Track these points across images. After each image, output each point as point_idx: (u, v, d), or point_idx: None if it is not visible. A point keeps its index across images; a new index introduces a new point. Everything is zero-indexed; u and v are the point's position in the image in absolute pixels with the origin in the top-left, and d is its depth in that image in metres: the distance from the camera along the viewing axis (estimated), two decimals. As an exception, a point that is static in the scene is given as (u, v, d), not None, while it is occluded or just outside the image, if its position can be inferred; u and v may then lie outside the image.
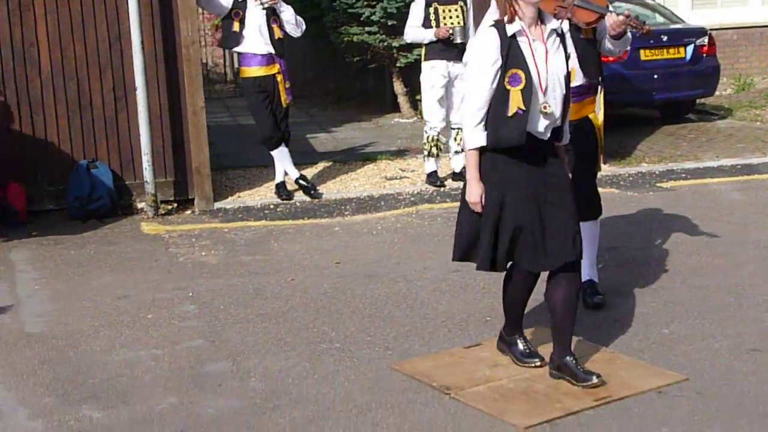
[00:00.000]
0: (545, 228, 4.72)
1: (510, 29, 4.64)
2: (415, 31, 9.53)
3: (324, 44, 15.40)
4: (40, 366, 5.33)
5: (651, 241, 7.40)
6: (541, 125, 4.69)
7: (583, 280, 6.00)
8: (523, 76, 4.61)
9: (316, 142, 12.54)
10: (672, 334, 5.47)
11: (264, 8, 9.01)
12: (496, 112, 4.64)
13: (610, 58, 12.11)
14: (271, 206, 9.16)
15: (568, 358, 4.83)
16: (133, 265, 7.27)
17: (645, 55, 12.50)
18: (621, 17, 5.54)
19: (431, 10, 9.47)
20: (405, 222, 8.32)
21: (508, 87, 4.61)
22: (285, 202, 9.30)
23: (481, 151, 4.71)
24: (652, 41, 12.55)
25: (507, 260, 4.83)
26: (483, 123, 4.67)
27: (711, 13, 16.04)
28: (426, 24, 9.38)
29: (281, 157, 9.40)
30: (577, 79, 5.75)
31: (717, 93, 15.12)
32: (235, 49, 9.26)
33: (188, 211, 9.04)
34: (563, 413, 4.50)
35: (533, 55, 4.65)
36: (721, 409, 4.49)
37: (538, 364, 4.98)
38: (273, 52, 9.16)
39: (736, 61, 15.91)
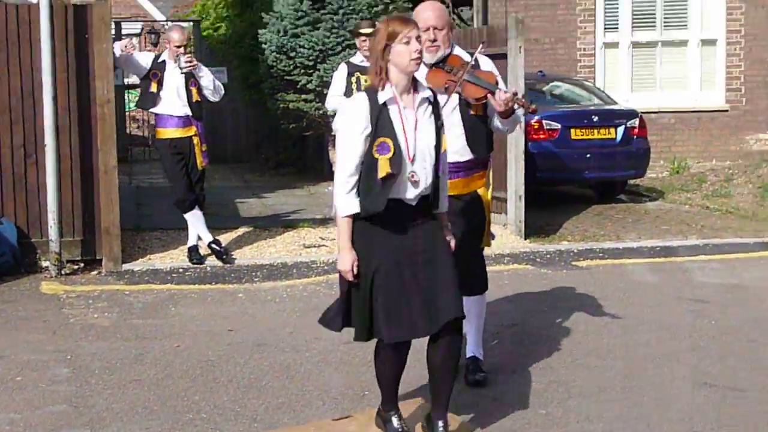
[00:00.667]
0: (420, 292, 4.61)
1: (381, 97, 4.57)
2: (336, 100, 9.51)
3: (265, 110, 15.39)
4: None
5: (552, 319, 7.31)
6: (410, 193, 4.62)
7: (467, 356, 5.95)
8: (391, 144, 4.53)
9: (243, 207, 12.43)
10: (548, 416, 5.35)
11: (183, 72, 8.95)
12: (364, 180, 4.55)
13: (541, 136, 12.39)
14: (181, 270, 9.01)
15: (439, 423, 4.73)
16: (21, 325, 7.08)
17: (576, 134, 12.57)
18: (508, 95, 5.49)
19: (353, 79, 9.49)
20: (312, 291, 8.19)
21: (377, 155, 4.53)
22: (195, 266, 9.16)
23: (354, 218, 4.61)
24: (585, 121, 12.67)
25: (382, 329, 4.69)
26: (355, 190, 4.58)
27: (650, 96, 16.19)
28: (347, 93, 9.36)
29: (194, 220, 9.27)
30: (465, 155, 5.70)
31: (653, 175, 15.29)
32: (152, 110, 9.19)
33: (95, 272, 8.87)
34: (416, 494, 4.35)
35: (402, 124, 4.59)
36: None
37: None
38: (190, 114, 9.09)
39: (673, 144, 16.02)
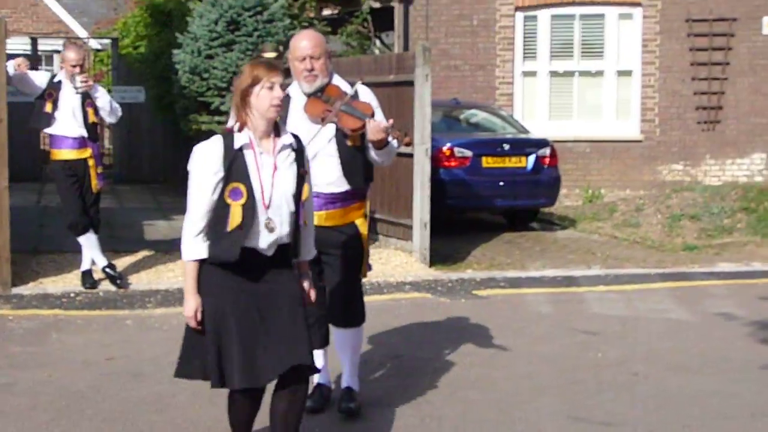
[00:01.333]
0: (267, 338, 4.49)
1: (238, 141, 4.46)
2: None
3: (180, 131, 15.24)
4: None
5: (440, 350, 7.26)
6: (264, 242, 4.47)
7: (342, 386, 5.87)
8: (244, 190, 4.41)
9: (150, 229, 12.26)
10: (416, 452, 5.28)
11: (78, 92, 8.80)
12: (215, 226, 4.42)
13: (452, 163, 12.40)
14: (72, 294, 8.84)
15: None
16: None
17: (487, 162, 12.62)
18: (382, 125, 5.45)
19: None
20: (203, 318, 8.04)
21: (229, 201, 4.40)
22: (88, 291, 8.98)
23: (201, 262, 4.49)
24: (496, 149, 12.72)
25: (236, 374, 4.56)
26: (202, 234, 4.44)
27: (567, 125, 16.31)
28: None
29: (89, 243, 9.10)
30: (341, 185, 5.65)
31: (568, 203, 15.45)
32: (46, 130, 9.01)
33: (-18, 295, 8.64)
34: None
35: (258, 170, 4.47)
36: None
37: None
38: (86, 135, 8.93)
39: (588, 173, 16.14)
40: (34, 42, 18.36)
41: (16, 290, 8.82)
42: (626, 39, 16.27)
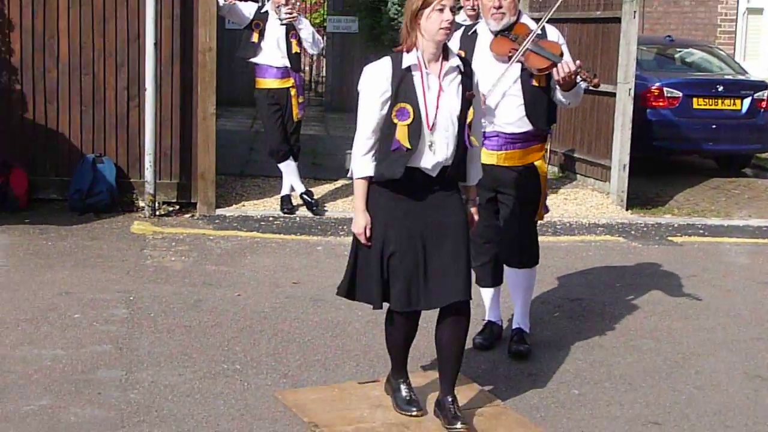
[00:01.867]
0: (429, 266, 4.59)
1: (406, 61, 4.53)
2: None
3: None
4: (-56, 352, 5.43)
5: (622, 296, 7.15)
6: (428, 162, 4.56)
7: (513, 327, 5.91)
8: (411, 110, 4.49)
9: (348, 159, 12.48)
10: (580, 396, 5.26)
11: (282, 24, 9.05)
12: (382, 145, 4.54)
13: (661, 103, 12.02)
14: (271, 218, 9.19)
15: (448, 398, 4.71)
16: (98, 263, 7.36)
17: (698, 103, 12.15)
18: (571, 68, 5.38)
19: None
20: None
21: (395, 120, 4.50)
22: (286, 215, 9.32)
23: (370, 181, 4.61)
24: (709, 90, 12.24)
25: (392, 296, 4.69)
26: (371, 153, 4.57)
27: (793, 67, 15.50)
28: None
29: (288, 170, 9.42)
30: (523, 126, 5.62)
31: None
32: (252, 59, 9.30)
33: (188, 215, 9.12)
34: (414, 465, 4.37)
35: (424, 91, 4.53)
36: (579, 482, 4.31)
37: (415, 413, 4.81)
38: (289, 65, 9.20)
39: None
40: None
41: (219, 211, 9.25)
42: None
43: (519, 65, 5.56)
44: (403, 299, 4.59)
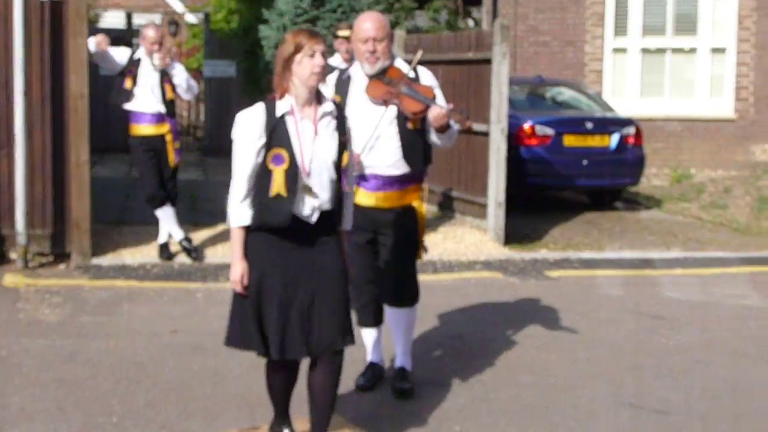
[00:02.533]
0: (308, 313, 4.57)
1: (279, 108, 4.54)
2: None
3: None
4: None
5: (502, 331, 7.24)
6: (306, 208, 4.56)
7: (396, 366, 5.93)
8: (286, 156, 4.49)
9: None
10: (461, 433, 5.30)
11: (156, 70, 8.98)
12: (259, 192, 4.52)
13: (533, 141, 12.30)
14: (149, 266, 9.04)
15: None
16: (-31, 318, 7.12)
17: (569, 140, 12.46)
18: (443, 110, 5.45)
19: (330, 80, 9.46)
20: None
21: (271, 167, 4.49)
22: (164, 262, 9.18)
23: (247, 229, 4.58)
24: (579, 127, 12.56)
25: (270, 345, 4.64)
26: (247, 200, 4.54)
27: (658, 103, 16.06)
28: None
29: (165, 217, 9.30)
30: (401, 168, 5.66)
31: (656, 183, 15.22)
32: (126, 106, 9.17)
33: (63, 265, 8.91)
34: None
35: (299, 136, 4.54)
36: None
37: None
38: (164, 111, 9.11)
39: (679, 152, 15.86)
40: (128, 17, 18.74)
41: (95, 260, 9.06)
42: (721, 16, 15.91)
43: (395, 109, 5.61)
44: (281, 348, 4.55)
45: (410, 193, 5.78)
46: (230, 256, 4.70)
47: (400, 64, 5.75)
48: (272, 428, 4.95)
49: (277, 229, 4.52)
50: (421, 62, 5.80)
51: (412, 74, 5.67)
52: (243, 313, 4.61)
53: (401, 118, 5.61)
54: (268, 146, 4.50)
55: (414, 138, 5.66)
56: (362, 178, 5.67)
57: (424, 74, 5.80)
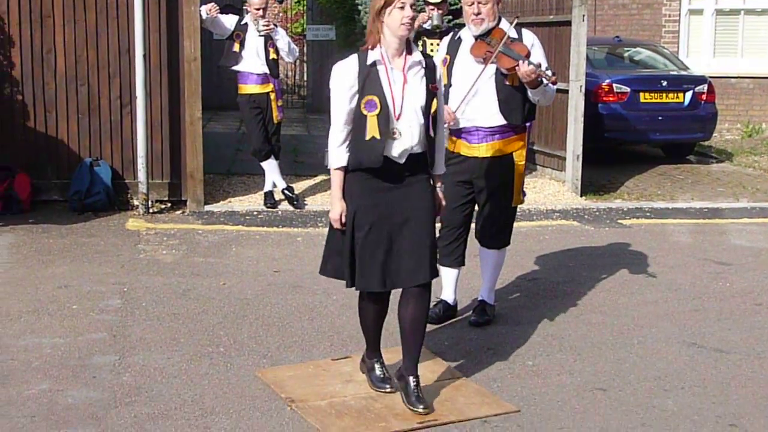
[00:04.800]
0: (395, 249, 4.60)
1: (371, 57, 4.54)
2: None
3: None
4: (-48, 343, 5.43)
5: (575, 275, 7.20)
6: (395, 150, 4.57)
7: (479, 298, 5.98)
8: (378, 102, 4.50)
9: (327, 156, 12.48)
10: (534, 367, 5.31)
11: (261, 35, 9.07)
12: (355, 136, 4.55)
13: (611, 98, 12.08)
14: (255, 213, 9.19)
15: (410, 378, 4.69)
16: (95, 258, 7.35)
17: (645, 97, 12.21)
18: (530, 67, 5.44)
19: (420, 42, 9.41)
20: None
21: (365, 112, 4.51)
22: (269, 210, 9.33)
23: (345, 171, 4.62)
24: (654, 85, 12.30)
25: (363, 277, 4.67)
26: (345, 144, 4.58)
27: (731, 62, 15.59)
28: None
29: (270, 168, 9.44)
30: (498, 120, 5.68)
31: (728, 137, 14.82)
32: (234, 67, 9.29)
33: (179, 211, 9.11)
34: (381, 433, 4.40)
35: (390, 83, 4.54)
36: (531, 444, 4.35)
37: (389, 390, 4.81)
38: (268, 72, 9.21)
39: (750, 108, 15.40)
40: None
41: (208, 207, 9.24)
42: (794, -23, 15.30)
43: (494, 66, 5.62)
44: (372, 280, 4.61)
45: (512, 143, 5.82)
46: (329, 200, 4.76)
47: (504, 25, 5.72)
48: (363, 359, 5.03)
49: (371, 169, 4.55)
50: (523, 25, 5.78)
51: (513, 34, 5.67)
52: (337, 247, 4.68)
53: (499, 75, 5.62)
54: (362, 93, 4.52)
55: (512, 93, 5.67)
56: (466, 132, 5.70)
57: (526, 35, 5.80)
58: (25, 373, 5.01)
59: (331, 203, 4.66)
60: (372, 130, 4.50)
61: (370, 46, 4.57)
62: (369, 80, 4.52)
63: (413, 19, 4.53)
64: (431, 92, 4.65)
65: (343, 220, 4.61)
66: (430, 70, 4.68)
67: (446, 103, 5.67)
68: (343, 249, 4.65)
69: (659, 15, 15.70)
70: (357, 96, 4.53)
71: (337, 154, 4.60)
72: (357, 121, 4.54)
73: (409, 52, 4.62)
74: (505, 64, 5.59)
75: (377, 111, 4.50)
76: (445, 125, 5.56)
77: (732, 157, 13.37)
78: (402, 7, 4.48)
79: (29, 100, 9.00)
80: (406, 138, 4.56)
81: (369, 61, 4.54)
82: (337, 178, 4.63)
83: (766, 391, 5.03)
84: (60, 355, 5.29)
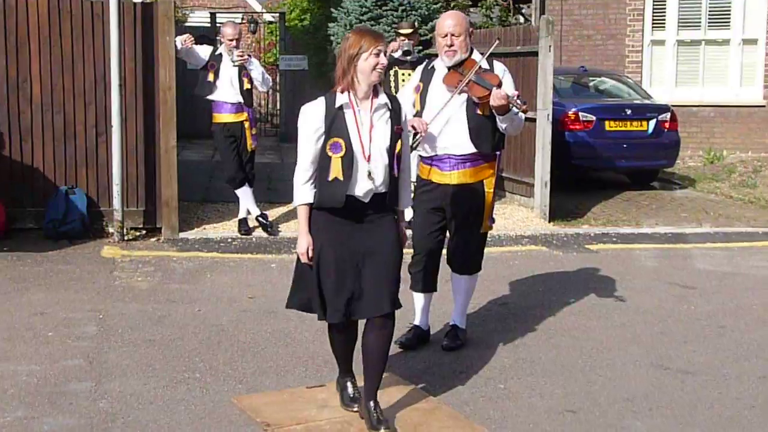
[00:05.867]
0: (361, 282, 4.61)
1: (338, 100, 4.57)
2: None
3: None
4: (-73, 371, 5.35)
5: (544, 299, 7.23)
6: (360, 190, 4.59)
7: (451, 323, 5.99)
8: (343, 144, 4.53)
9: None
10: (505, 390, 5.31)
11: (235, 65, 9.08)
12: (320, 176, 4.57)
13: (577, 127, 12.19)
14: (229, 240, 9.16)
15: (370, 403, 4.70)
16: (71, 285, 7.29)
17: (610, 125, 12.33)
18: (501, 92, 5.47)
19: (391, 72, 9.48)
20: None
21: (330, 154, 4.53)
22: (243, 237, 9.30)
23: (311, 207, 4.64)
24: (619, 114, 12.42)
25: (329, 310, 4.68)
26: (310, 182, 4.59)
27: (693, 91, 15.78)
28: (385, 83, 9.33)
29: (244, 196, 9.41)
30: (468, 148, 5.71)
31: (691, 163, 14.98)
32: (209, 96, 9.29)
33: (154, 239, 9.06)
34: (356, 458, 4.38)
35: (358, 126, 4.57)
36: (504, 467, 4.35)
37: (356, 410, 4.84)
38: (242, 101, 9.21)
39: (711, 136, 15.58)
40: (212, 16, 18.89)
41: (182, 234, 9.20)
42: (752, 8, 15.54)
43: (466, 95, 5.65)
44: (338, 312, 4.61)
45: (482, 171, 5.82)
46: (298, 231, 4.76)
47: (476, 56, 5.76)
48: (338, 382, 5.02)
49: (336, 208, 4.57)
50: (492, 55, 5.83)
51: (485, 65, 5.70)
52: (305, 280, 4.69)
53: (471, 104, 5.65)
54: (327, 135, 4.54)
55: (482, 123, 5.70)
56: (438, 159, 5.72)
57: (498, 66, 5.82)
58: (0, 401, 4.94)
59: (299, 238, 4.66)
60: (335, 171, 4.52)
61: (340, 89, 4.59)
62: (336, 123, 4.53)
63: (384, 66, 4.57)
64: (396, 134, 4.67)
65: (310, 254, 4.61)
66: (395, 112, 4.70)
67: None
68: (311, 284, 4.66)
69: (623, 46, 15.88)
70: (323, 138, 4.55)
71: (303, 192, 4.61)
72: (322, 161, 4.56)
73: (376, 95, 4.65)
74: (477, 92, 5.62)
75: (341, 153, 4.53)
76: (420, 135, 5.60)
77: (695, 183, 13.51)
78: (377, 54, 4.52)
79: (4, 128, 8.93)
80: (376, 178, 4.59)
81: (337, 104, 4.55)
82: (302, 214, 4.64)
83: (731, 412, 5.07)
84: (36, 382, 5.23)
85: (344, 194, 4.53)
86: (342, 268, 4.59)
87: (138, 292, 7.14)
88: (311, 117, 4.57)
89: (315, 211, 4.63)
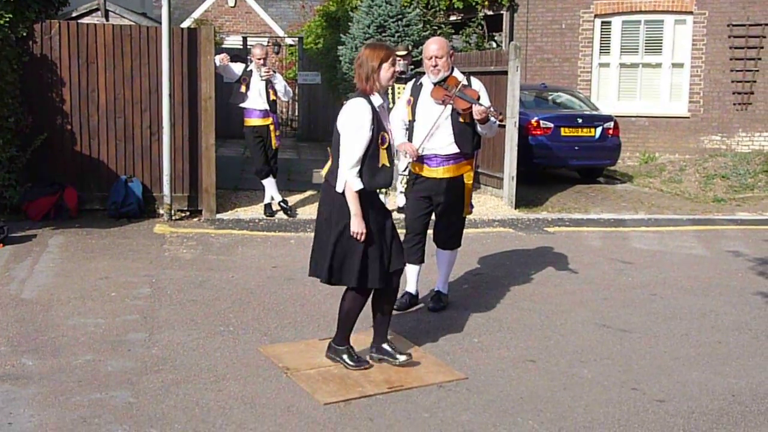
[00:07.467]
0: (387, 252, 4.58)
1: (375, 101, 4.48)
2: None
3: (341, 105, 15.39)
4: (13, 323, 5.34)
5: (511, 271, 7.23)
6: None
7: (435, 289, 5.98)
8: (387, 137, 4.52)
9: (317, 175, 12.47)
10: (479, 343, 5.32)
11: (262, 79, 9.05)
12: (369, 164, 4.43)
13: (538, 132, 12.14)
14: (257, 220, 9.14)
15: (385, 344, 4.75)
16: (130, 255, 7.28)
17: (565, 131, 12.30)
18: (482, 107, 5.46)
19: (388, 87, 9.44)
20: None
21: (380, 145, 4.47)
22: (268, 218, 9.28)
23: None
24: (572, 122, 12.40)
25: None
26: (358, 171, 4.43)
27: (632, 104, 15.74)
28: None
29: (269, 185, 9.40)
30: (454, 149, 5.69)
31: (630, 163, 14.94)
32: (241, 105, 9.26)
33: (196, 219, 9.04)
34: (359, 395, 4.39)
35: (387, 122, 4.57)
36: (477, 403, 4.35)
37: (367, 367, 4.74)
38: (268, 108, 9.18)
39: (646, 141, 15.56)
40: (244, 40, 18.78)
41: (219, 216, 9.18)
42: (680, 39, 15.49)
43: (450, 107, 5.64)
44: (382, 277, 4.55)
45: (463, 167, 5.80)
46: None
47: (457, 74, 5.74)
48: (331, 350, 4.80)
49: (370, 191, 4.48)
50: (470, 73, 5.81)
51: (465, 81, 5.69)
52: (360, 255, 4.50)
53: (455, 114, 5.63)
54: (377, 130, 4.44)
55: (464, 129, 5.68)
56: (427, 158, 5.70)
57: (475, 82, 5.80)
58: (73, 347, 4.95)
59: (356, 220, 4.42)
60: (383, 159, 4.46)
61: (369, 91, 4.46)
62: (377, 119, 4.46)
63: (397, 73, 4.55)
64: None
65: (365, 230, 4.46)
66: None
67: (410, 137, 5.70)
68: (354, 257, 4.47)
69: (576, 67, 15.84)
70: (374, 131, 4.42)
71: (357, 180, 4.41)
72: (371, 151, 4.41)
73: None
74: (461, 105, 5.60)
75: (386, 144, 4.50)
76: (409, 159, 5.59)
77: (632, 179, 13.50)
78: (393, 63, 4.50)
79: (77, 129, 8.90)
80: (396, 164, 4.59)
81: (376, 104, 4.48)
82: (357, 198, 4.42)
83: (660, 362, 5.08)
84: (101, 332, 5.23)
85: (392, 177, 4.50)
86: (380, 240, 4.54)
87: (183, 262, 7.13)
88: (368, 114, 4.40)
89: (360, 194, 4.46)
